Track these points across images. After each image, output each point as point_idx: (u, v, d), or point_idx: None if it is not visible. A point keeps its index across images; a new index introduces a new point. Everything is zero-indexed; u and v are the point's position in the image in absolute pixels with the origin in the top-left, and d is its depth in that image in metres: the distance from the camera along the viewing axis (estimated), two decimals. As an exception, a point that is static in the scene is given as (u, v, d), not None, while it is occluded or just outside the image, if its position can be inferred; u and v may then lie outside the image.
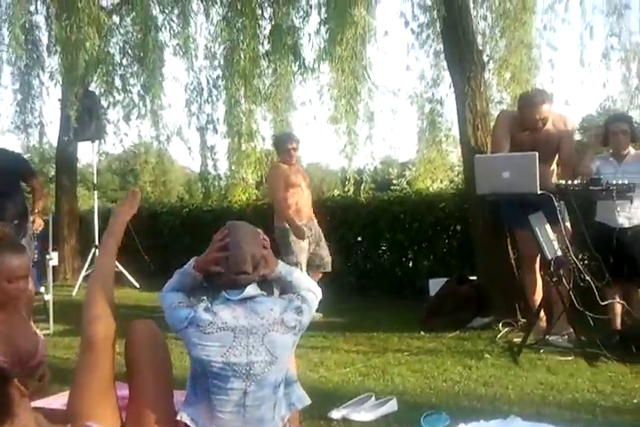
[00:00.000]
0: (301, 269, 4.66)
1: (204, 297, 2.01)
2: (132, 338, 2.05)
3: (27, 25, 6.91)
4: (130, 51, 7.55)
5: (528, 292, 4.04)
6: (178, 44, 6.90)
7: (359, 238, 5.99)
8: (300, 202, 4.97)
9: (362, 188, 5.83)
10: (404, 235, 5.69)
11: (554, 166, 4.08)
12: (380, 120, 6.15)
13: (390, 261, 5.89)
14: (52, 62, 7.63)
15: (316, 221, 5.12)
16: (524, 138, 3.88)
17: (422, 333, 4.17)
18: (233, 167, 7.23)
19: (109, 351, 1.99)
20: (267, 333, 1.95)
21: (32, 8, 7.26)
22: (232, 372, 1.89)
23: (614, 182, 3.33)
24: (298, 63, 6.05)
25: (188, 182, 10.30)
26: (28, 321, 2.42)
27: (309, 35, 5.94)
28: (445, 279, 4.57)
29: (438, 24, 5.29)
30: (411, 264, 5.77)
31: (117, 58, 7.61)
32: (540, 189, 3.44)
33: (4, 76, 7.57)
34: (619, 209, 3.48)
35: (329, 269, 5.05)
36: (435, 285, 4.67)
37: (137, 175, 9.82)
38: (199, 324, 1.91)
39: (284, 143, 5.13)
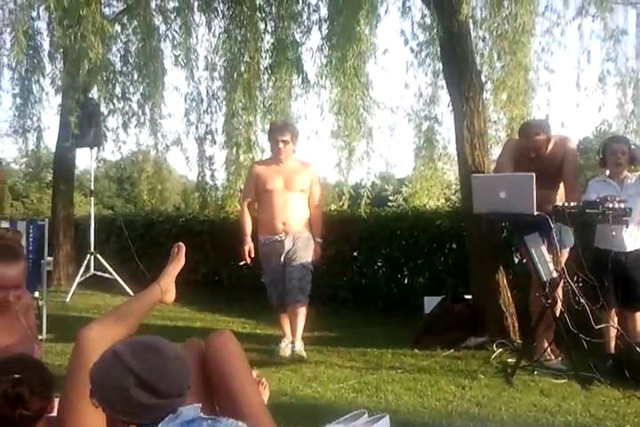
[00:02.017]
0: (271, 295, 4.29)
1: None
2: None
3: (29, 31, 6.93)
4: (131, 59, 7.59)
5: (534, 312, 3.94)
6: (179, 55, 6.96)
7: (355, 253, 5.99)
8: (273, 212, 4.14)
9: (362, 203, 5.85)
10: (400, 251, 5.70)
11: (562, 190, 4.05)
12: (377, 136, 6.22)
13: (385, 277, 5.89)
14: (53, 68, 7.67)
15: (305, 237, 4.19)
16: (529, 164, 3.90)
17: (416, 350, 4.16)
18: (230, 178, 7.25)
19: (93, 357, 1.90)
20: None
21: (34, 14, 7.28)
22: None
23: (610, 206, 3.36)
24: (300, 77, 6.08)
25: (184, 192, 10.31)
26: (24, 327, 2.39)
27: (312, 50, 5.99)
28: (440, 297, 4.57)
29: (437, 43, 5.37)
30: (406, 281, 5.77)
31: (118, 66, 7.67)
32: (538, 210, 3.47)
33: (4, 81, 7.59)
34: (614, 233, 3.50)
35: (302, 302, 4.15)
36: (430, 302, 4.68)
37: (134, 183, 9.82)
38: None
39: (272, 134, 4.25)
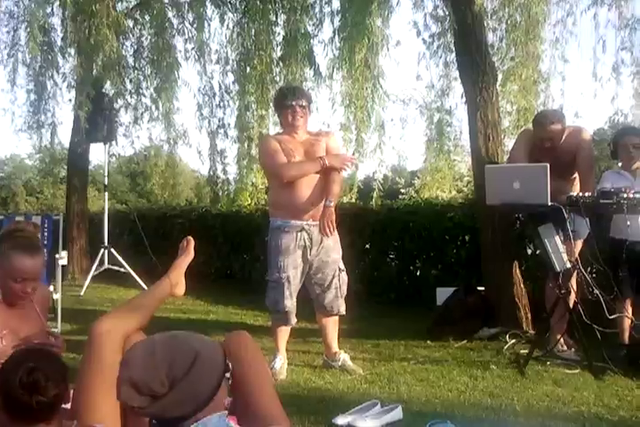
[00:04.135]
0: (286, 298, 3.50)
1: None
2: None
3: (44, 26, 6.98)
4: (143, 54, 7.64)
5: (549, 302, 3.88)
6: (192, 49, 6.99)
7: (367, 246, 5.98)
8: (298, 192, 3.46)
9: (373, 195, 5.85)
10: (412, 243, 5.68)
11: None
12: (389, 129, 6.20)
13: (398, 269, 5.89)
14: (66, 64, 7.73)
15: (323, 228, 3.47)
16: (543, 154, 3.87)
17: (429, 342, 4.16)
18: (242, 172, 7.28)
19: (111, 349, 1.97)
20: None
21: (48, 10, 7.32)
22: None
23: (625, 196, 3.33)
24: (313, 70, 6.07)
25: (197, 186, 10.39)
26: (41, 320, 2.43)
27: (324, 42, 5.98)
28: (453, 289, 4.56)
29: (449, 35, 5.34)
30: (418, 273, 5.77)
31: (130, 61, 7.71)
32: (552, 201, 3.45)
33: (19, 77, 7.65)
34: (629, 223, 3.47)
35: (341, 310, 3.64)
36: (442, 294, 4.66)
37: (147, 177, 9.90)
38: None
39: (285, 99, 3.54)
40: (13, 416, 1.67)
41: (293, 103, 3.49)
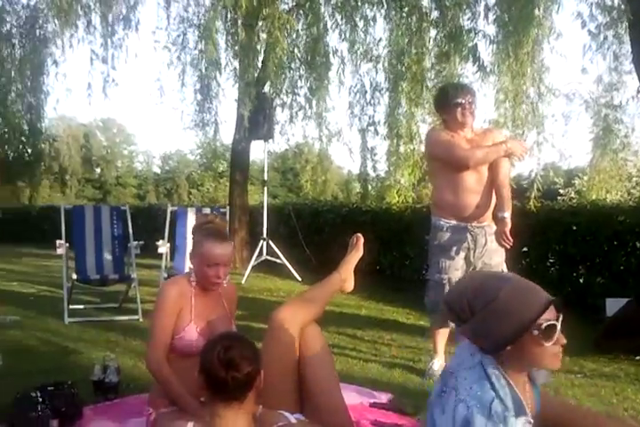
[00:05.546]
0: (437, 302, 3.40)
1: None
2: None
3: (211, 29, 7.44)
4: (299, 54, 7.90)
5: None
6: (348, 48, 7.11)
7: (525, 249, 5.74)
8: (463, 191, 3.34)
9: (531, 195, 5.63)
10: (575, 248, 5.36)
11: None
12: (550, 125, 5.93)
13: (559, 274, 5.58)
14: (231, 65, 8.17)
15: (493, 233, 3.36)
16: None
17: (597, 355, 3.92)
18: (391, 169, 7.32)
19: (290, 337, 2.09)
20: None
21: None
22: None
23: None
24: (477, 65, 5.92)
25: (345, 182, 10.59)
26: (225, 309, 2.55)
27: (487, 37, 5.82)
28: (625, 300, 4.25)
29: (620, 25, 4.97)
30: (582, 280, 5.44)
31: (286, 61, 8.01)
32: None
33: (187, 77, 8.17)
34: None
35: None
36: (613, 304, 4.36)
37: (297, 173, 10.27)
38: None
39: (452, 96, 3.40)
40: (212, 392, 1.80)
41: (463, 101, 3.36)
